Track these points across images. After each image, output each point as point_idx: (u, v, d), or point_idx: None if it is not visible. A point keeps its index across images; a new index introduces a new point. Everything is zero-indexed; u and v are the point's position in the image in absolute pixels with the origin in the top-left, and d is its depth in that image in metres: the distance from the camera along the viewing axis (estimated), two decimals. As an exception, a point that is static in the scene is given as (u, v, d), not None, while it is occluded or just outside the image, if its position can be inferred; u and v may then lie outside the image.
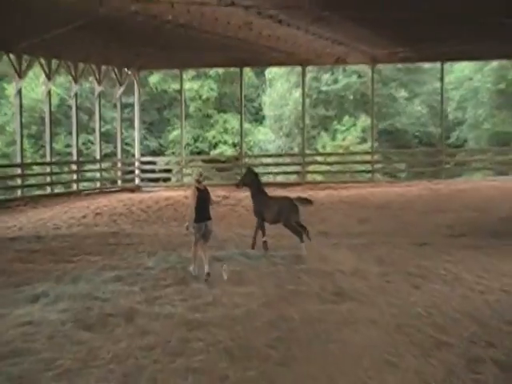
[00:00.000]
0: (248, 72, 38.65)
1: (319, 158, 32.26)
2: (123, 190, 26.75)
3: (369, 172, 28.99)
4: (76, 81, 25.49)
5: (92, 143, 34.30)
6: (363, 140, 35.66)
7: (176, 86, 34.89)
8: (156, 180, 30.00)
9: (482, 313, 8.72)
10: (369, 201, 21.34)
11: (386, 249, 13.02)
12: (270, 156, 33.46)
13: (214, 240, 14.40)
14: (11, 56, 22.29)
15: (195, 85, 37.91)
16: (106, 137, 35.14)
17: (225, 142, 37.91)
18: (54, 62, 24.42)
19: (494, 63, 34.10)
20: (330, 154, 32.62)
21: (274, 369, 7.12)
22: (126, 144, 34.80)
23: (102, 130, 30.40)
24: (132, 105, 31.56)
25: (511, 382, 6.96)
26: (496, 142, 33.93)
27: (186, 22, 20.02)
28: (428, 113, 37.73)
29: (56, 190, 24.78)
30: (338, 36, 23.04)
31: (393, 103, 37.73)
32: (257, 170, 31.52)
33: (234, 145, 37.21)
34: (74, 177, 25.84)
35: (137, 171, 28.85)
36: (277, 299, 9.37)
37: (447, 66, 30.76)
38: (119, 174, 28.41)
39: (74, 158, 25.75)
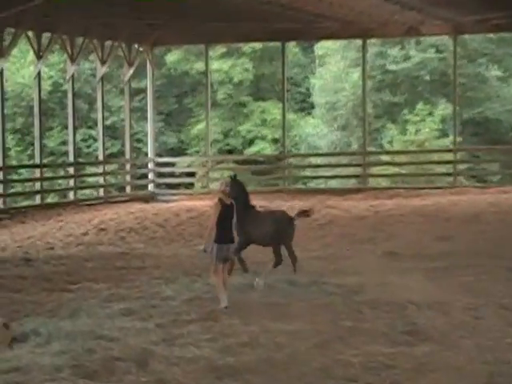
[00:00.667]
0: (292, 48, 38.72)
1: (385, 158, 32.16)
2: (134, 199, 27.02)
3: (450, 175, 28.80)
4: (73, 60, 25.88)
5: (94, 140, 34.76)
6: (443, 134, 35.39)
7: (200, 67, 35.15)
8: (175, 186, 30.24)
9: None
10: (450, 212, 21.16)
11: (474, 274, 12.90)
12: (320, 155, 33.46)
13: (250, 264, 14.48)
14: (-9, 29, 22.74)
15: (225, 65, 38.14)
16: (112, 131, 35.57)
17: (263, 138, 38.01)
18: (45, 37, 24.83)
19: None
20: (399, 153, 32.46)
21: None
22: (137, 141, 35.18)
23: (107, 122, 30.82)
24: (144, 90, 31.89)
25: None
26: None
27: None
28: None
29: (48, 200, 25.22)
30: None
31: (482, 85, 37.44)
32: (305, 172, 32.04)
33: (275, 141, 37.28)
34: (71, 183, 26.20)
35: (151, 175, 29.12)
36: (331, 339, 9.35)
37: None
38: (128, 178, 28.71)
39: (71, 158, 26.12)
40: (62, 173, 28.68)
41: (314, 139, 38.68)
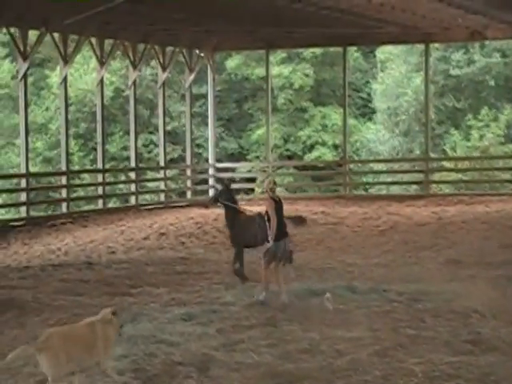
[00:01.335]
0: (354, 53, 38.59)
1: (448, 164, 31.80)
2: (194, 204, 27.16)
3: (516, 182, 28.41)
4: (135, 66, 26.17)
5: (155, 145, 35.08)
6: (508, 139, 34.84)
7: (261, 72, 35.24)
8: (236, 191, 30.27)
9: None
10: (516, 219, 20.86)
11: (540, 283, 12.70)
12: (382, 161, 33.24)
13: (310, 270, 14.45)
14: (55, 36, 23.10)
15: (285, 70, 38.17)
16: (173, 137, 35.87)
17: (323, 144, 37.93)
18: (108, 43, 25.17)
19: None
20: (462, 159, 32.06)
21: None
22: (198, 146, 35.41)
23: (168, 128, 31.08)
24: (205, 96, 32.10)
25: None
26: None
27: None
28: None
29: (110, 205, 25.51)
30: (473, 2, 22.70)
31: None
32: (365, 178, 31.88)
33: (336, 146, 37.17)
34: (133, 188, 26.47)
35: (211, 181, 29.26)
36: (393, 347, 9.28)
37: None
38: (189, 184, 28.90)
39: (133, 164, 26.40)
40: (123, 178, 28.98)
41: (375, 145, 38.45)
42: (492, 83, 36.86)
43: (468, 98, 37.30)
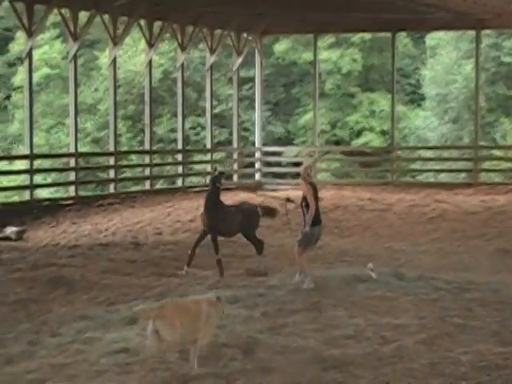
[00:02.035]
0: (403, 38, 38.25)
1: (498, 152, 31.37)
2: (240, 187, 27.19)
3: None
4: (183, 49, 26.22)
5: (202, 128, 35.19)
6: (559, 128, 34.31)
7: (309, 56, 35.09)
8: (282, 176, 30.31)
9: None
10: None
11: None
12: (430, 148, 32.94)
13: (357, 256, 14.41)
14: (105, 17, 23.23)
15: (333, 55, 38.00)
16: (220, 120, 35.92)
17: (371, 129, 37.72)
18: (157, 25, 25.23)
19: None
20: (512, 147, 31.63)
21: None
22: (245, 129, 35.42)
23: (215, 111, 31.11)
24: (252, 80, 32.06)
25: None
26: None
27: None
28: None
29: (157, 186, 25.68)
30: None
31: None
32: (414, 165, 31.61)
33: (383, 133, 36.94)
34: (180, 170, 26.58)
35: (258, 164, 29.27)
36: (439, 336, 9.21)
37: None
38: (235, 167, 28.94)
39: (180, 146, 26.50)
40: (170, 159, 29.12)
41: (423, 132, 38.14)
42: (544, 71, 36.32)
43: (520, 86, 36.81)
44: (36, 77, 29.92)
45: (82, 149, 28.64)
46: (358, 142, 37.19)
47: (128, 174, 27.29)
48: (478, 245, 15.81)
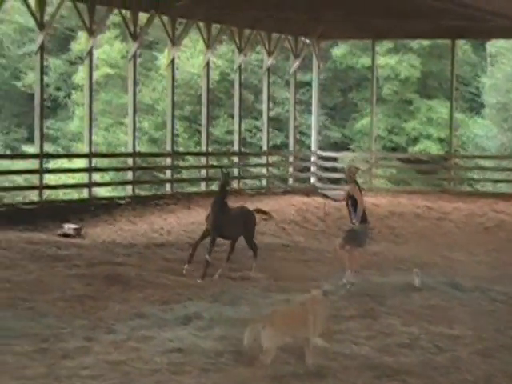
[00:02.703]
0: (463, 45, 37.79)
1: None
2: (295, 191, 27.18)
3: None
4: (241, 51, 26.32)
5: (258, 130, 35.24)
6: None
7: (366, 62, 34.93)
8: (337, 181, 30.21)
9: None
10: None
11: None
12: (489, 157, 32.58)
13: (412, 264, 14.30)
14: (164, 18, 23.44)
15: (391, 60, 37.74)
16: (276, 123, 35.92)
17: (428, 137, 37.37)
18: (215, 27, 25.38)
19: None
20: None
21: None
22: (301, 133, 35.36)
23: (271, 113, 31.12)
24: (309, 83, 32.00)
25: None
26: None
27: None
28: None
29: (213, 187, 25.68)
30: None
31: None
32: (472, 174, 31.24)
33: (441, 140, 36.58)
34: (235, 172, 26.66)
35: (313, 168, 29.23)
36: (495, 348, 9.11)
37: None
38: (291, 170, 28.94)
39: (236, 148, 26.60)
40: (226, 161, 29.21)
41: (482, 140, 37.67)
42: None
43: None
44: (96, 76, 30.26)
45: (139, 148, 28.90)
46: (414, 149, 36.87)
47: (184, 174, 27.45)
48: (536, 256, 15.60)
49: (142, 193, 25.01)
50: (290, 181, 28.67)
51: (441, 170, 29.44)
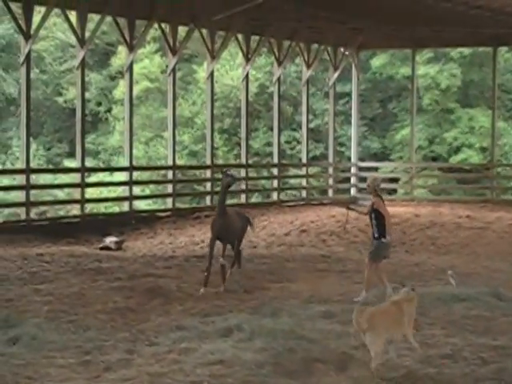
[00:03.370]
0: (504, 53, 37.49)
1: None
2: (335, 202, 27.12)
3: None
4: (280, 63, 26.38)
5: (297, 142, 35.26)
6: None
7: (406, 71, 34.81)
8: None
9: None
10: None
11: None
12: (531, 166, 32.21)
13: (455, 274, 14.18)
14: (203, 32, 23.59)
15: (432, 70, 37.55)
16: (315, 134, 35.91)
17: (470, 146, 37.07)
18: (254, 40, 25.47)
19: None
20: None
21: None
22: (340, 144, 35.32)
23: (311, 125, 31.15)
24: (349, 94, 32.00)
25: None
26: None
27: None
28: None
29: (252, 200, 25.86)
30: None
31: None
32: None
33: (483, 149, 36.25)
34: (275, 184, 26.70)
35: (353, 179, 29.14)
36: (541, 359, 8.99)
37: None
38: (331, 181, 28.89)
39: (275, 160, 26.63)
40: (266, 173, 29.29)
41: (525, 150, 37.27)
42: None
43: None
44: (136, 90, 30.54)
45: (179, 161, 29.07)
46: (456, 159, 36.58)
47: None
48: None
49: (182, 206, 25.15)
50: (330, 192, 28.61)
51: (483, 179, 29.22)
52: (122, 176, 24.55)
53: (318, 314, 10.85)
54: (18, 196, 20.40)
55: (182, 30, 23.25)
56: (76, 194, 20.97)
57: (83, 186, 20.52)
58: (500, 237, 19.57)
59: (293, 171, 29.65)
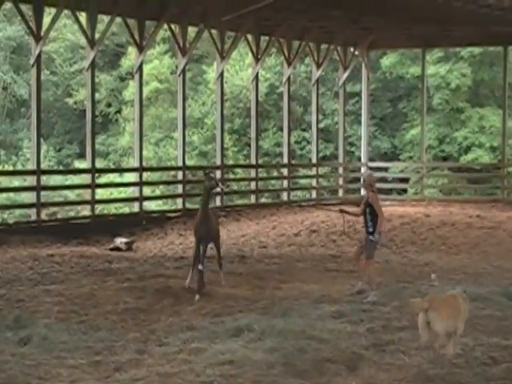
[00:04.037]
0: (515, 52, 37.41)
1: None
2: (346, 202, 27.07)
3: None
4: (289, 63, 26.38)
5: (307, 142, 35.26)
6: None
7: (416, 71, 34.75)
8: (387, 191, 30.07)
9: None
10: None
11: None
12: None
13: (464, 274, 14.15)
14: (213, 32, 23.61)
15: (442, 69, 37.46)
16: (325, 134, 35.91)
17: (480, 146, 36.97)
18: (263, 40, 25.48)
19: None
20: None
21: None
22: (350, 144, 35.29)
23: (321, 125, 31.16)
24: (359, 94, 31.98)
25: None
26: None
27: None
28: None
29: (262, 200, 25.88)
30: None
31: None
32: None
33: (494, 149, 36.16)
34: (285, 184, 26.70)
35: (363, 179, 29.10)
36: (552, 359, 8.95)
37: None
38: (341, 182, 28.87)
39: (285, 160, 26.63)
40: (276, 174, 29.30)
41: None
42: None
43: None
44: (146, 91, 30.60)
45: (189, 162, 29.12)
46: (466, 158, 36.48)
47: (234, 187, 27.57)
48: None
49: (192, 206, 25.17)
50: (340, 192, 28.59)
51: (493, 179, 29.16)
52: (132, 177, 24.63)
53: (328, 314, 10.85)
54: (29, 197, 20.46)
55: (191, 31, 23.27)
56: (86, 194, 21.03)
57: (93, 186, 20.57)
58: (511, 236, 19.52)
59: (303, 171, 29.62)
